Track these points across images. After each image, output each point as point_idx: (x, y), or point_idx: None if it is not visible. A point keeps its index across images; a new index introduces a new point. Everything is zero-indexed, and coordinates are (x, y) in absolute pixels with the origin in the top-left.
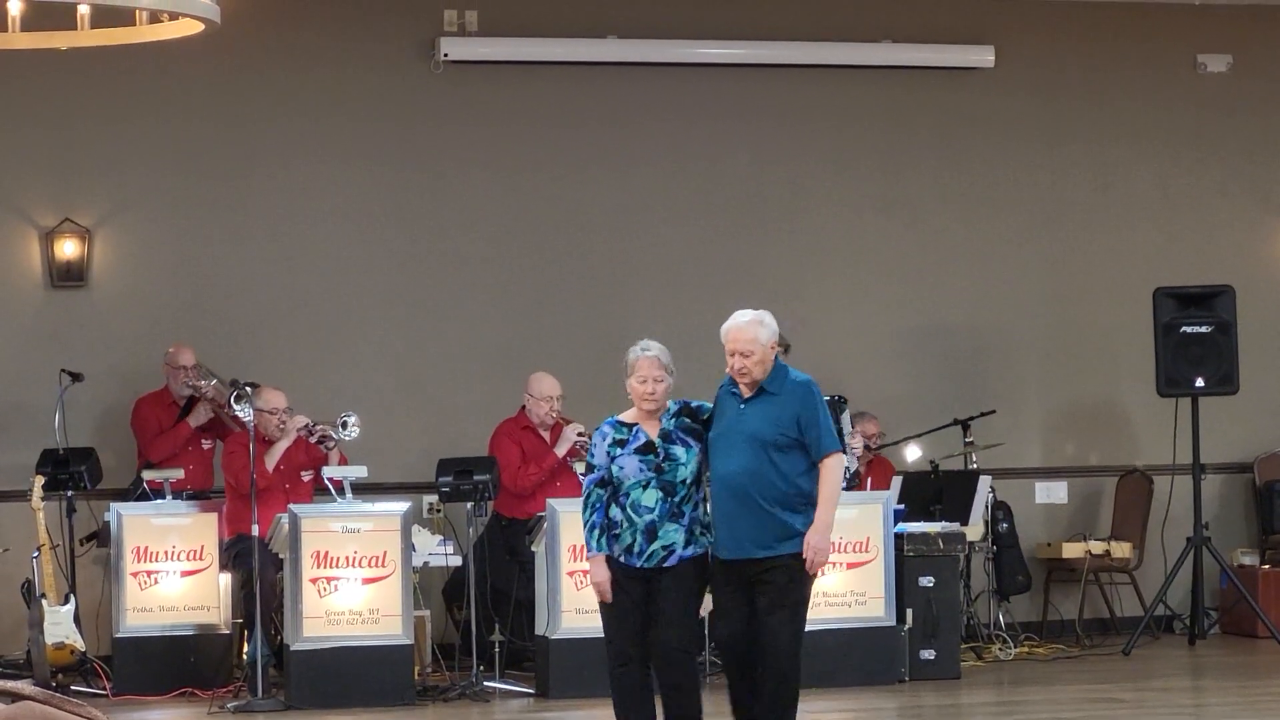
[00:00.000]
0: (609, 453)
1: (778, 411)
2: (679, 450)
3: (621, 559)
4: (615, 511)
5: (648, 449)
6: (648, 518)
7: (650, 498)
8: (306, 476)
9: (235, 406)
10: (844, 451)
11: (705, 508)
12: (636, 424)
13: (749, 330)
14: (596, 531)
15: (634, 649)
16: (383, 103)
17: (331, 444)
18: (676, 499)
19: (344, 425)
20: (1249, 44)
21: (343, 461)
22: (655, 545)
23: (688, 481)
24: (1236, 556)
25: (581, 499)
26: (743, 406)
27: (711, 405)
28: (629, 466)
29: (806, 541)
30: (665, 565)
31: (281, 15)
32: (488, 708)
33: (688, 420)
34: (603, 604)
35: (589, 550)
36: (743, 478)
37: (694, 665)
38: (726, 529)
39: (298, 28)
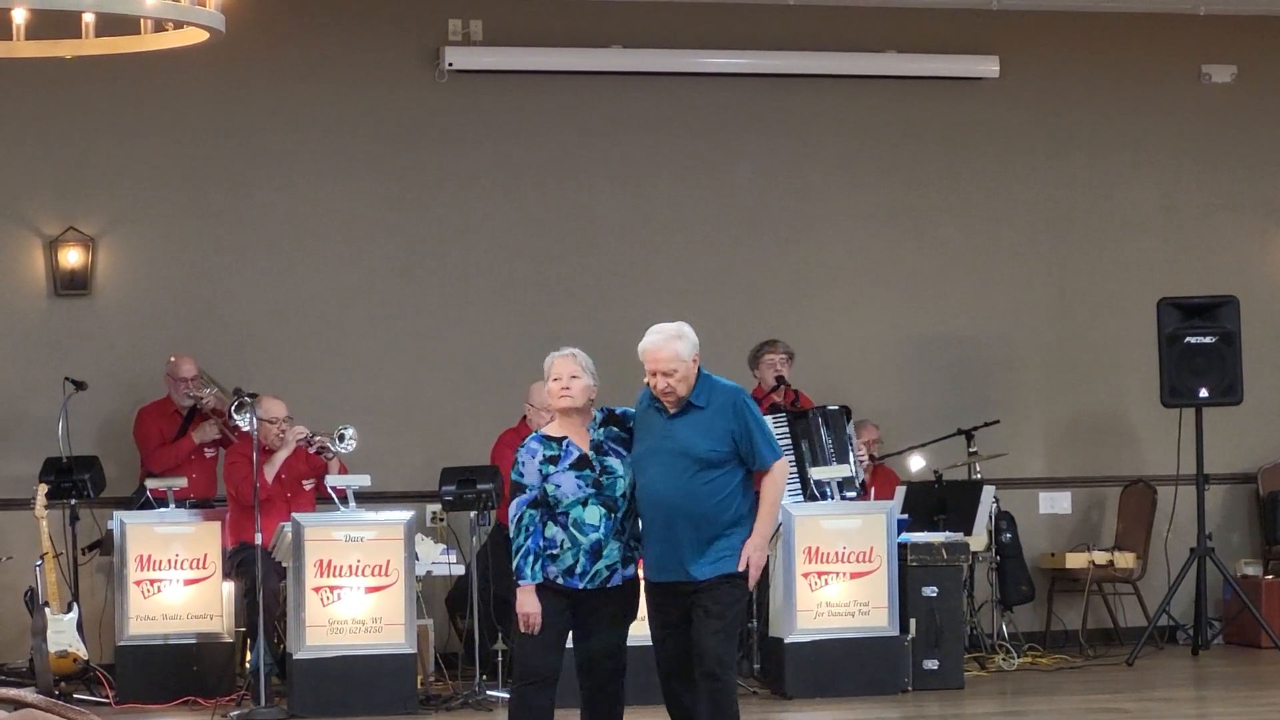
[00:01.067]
0: (541, 471)
1: (707, 425)
2: (614, 462)
3: (559, 580)
4: (554, 531)
5: (582, 464)
6: (593, 536)
7: (593, 515)
8: (308, 485)
9: (236, 416)
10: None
11: (637, 522)
12: (565, 437)
13: (668, 348)
14: (531, 558)
15: (549, 669)
16: (387, 112)
17: (330, 455)
18: (619, 514)
19: (341, 438)
20: (1253, 55)
21: (342, 471)
22: (599, 565)
23: (627, 495)
24: (1240, 567)
25: (512, 522)
26: (669, 421)
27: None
28: (566, 484)
29: (744, 555)
30: (608, 585)
31: (286, 25)
32: (490, 717)
33: (615, 429)
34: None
35: (521, 578)
36: (674, 497)
37: (623, 683)
38: (658, 550)
39: (302, 38)
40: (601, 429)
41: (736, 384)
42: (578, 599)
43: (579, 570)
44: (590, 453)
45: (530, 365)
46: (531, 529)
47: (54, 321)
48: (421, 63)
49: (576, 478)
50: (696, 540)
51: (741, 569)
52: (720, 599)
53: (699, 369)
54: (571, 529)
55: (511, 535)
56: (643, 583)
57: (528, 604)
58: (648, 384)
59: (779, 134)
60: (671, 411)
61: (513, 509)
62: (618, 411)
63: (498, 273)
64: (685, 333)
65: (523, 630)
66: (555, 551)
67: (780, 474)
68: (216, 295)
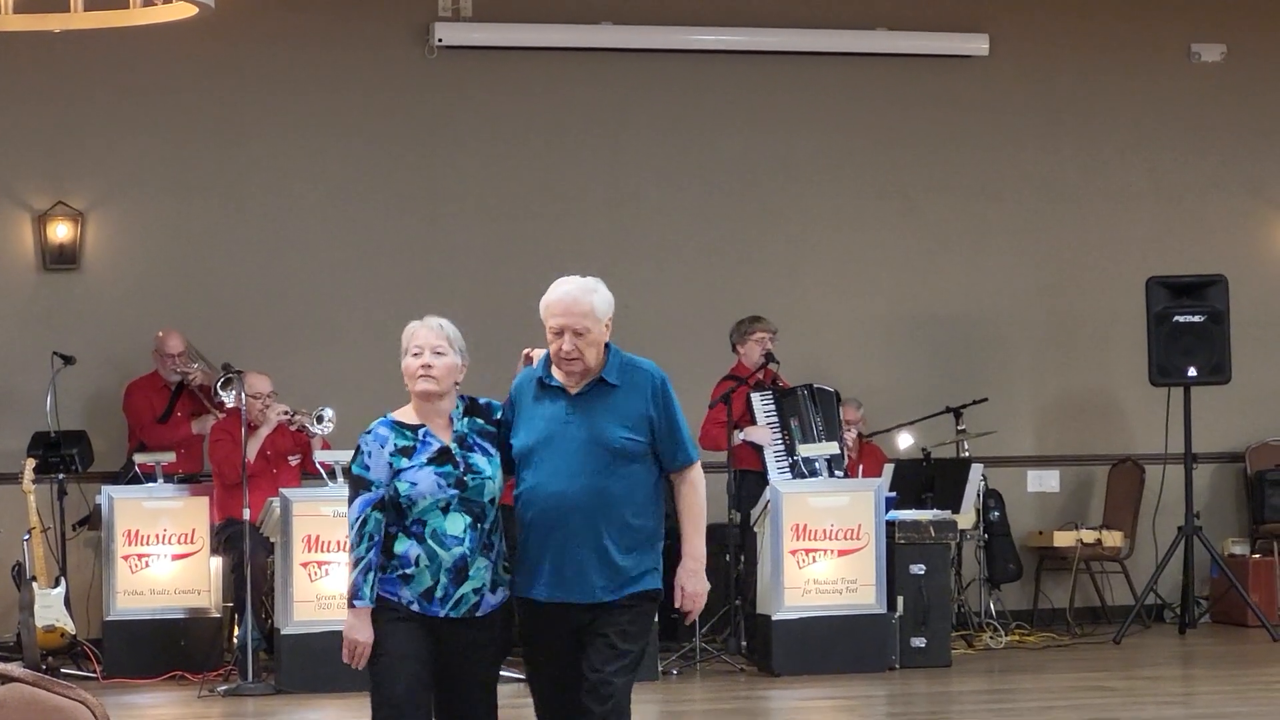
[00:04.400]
0: (391, 464)
1: (623, 408)
2: (480, 460)
3: (415, 607)
4: (406, 546)
5: (444, 458)
6: (457, 551)
7: (456, 524)
8: (293, 461)
9: (222, 392)
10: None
11: (503, 539)
12: (423, 425)
13: (582, 300)
14: (371, 575)
15: (411, 713)
16: (377, 88)
17: (311, 434)
18: (485, 526)
19: (319, 419)
20: (1243, 33)
21: (325, 447)
22: (465, 588)
23: (495, 501)
24: (1227, 546)
25: (351, 524)
26: (571, 403)
27: (502, 405)
28: (424, 482)
29: (680, 586)
30: (476, 615)
31: (276, 2)
32: None
33: (480, 421)
34: (377, 657)
35: (356, 598)
36: (579, 498)
37: None
38: (554, 563)
39: (292, 13)
40: (465, 420)
41: (654, 363)
42: (437, 630)
43: (439, 594)
44: (453, 445)
45: (518, 339)
46: (375, 539)
47: (42, 296)
48: (412, 38)
49: (436, 474)
50: (605, 552)
51: (678, 605)
52: (630, 628)
53: (609, 343)
54: (430, 542)
55: (351, 544)
56: (521, 604)
57: (358, 630)
58: (525, 363)
59: (768, 111)
60: (574, 389)
61: (353, 510)
62: (480, 401)
63: (487, 248)
64: (601, 289)
65: (346, 661)
66: (409, 571)
67: (701, 480)
68: (205, 270)
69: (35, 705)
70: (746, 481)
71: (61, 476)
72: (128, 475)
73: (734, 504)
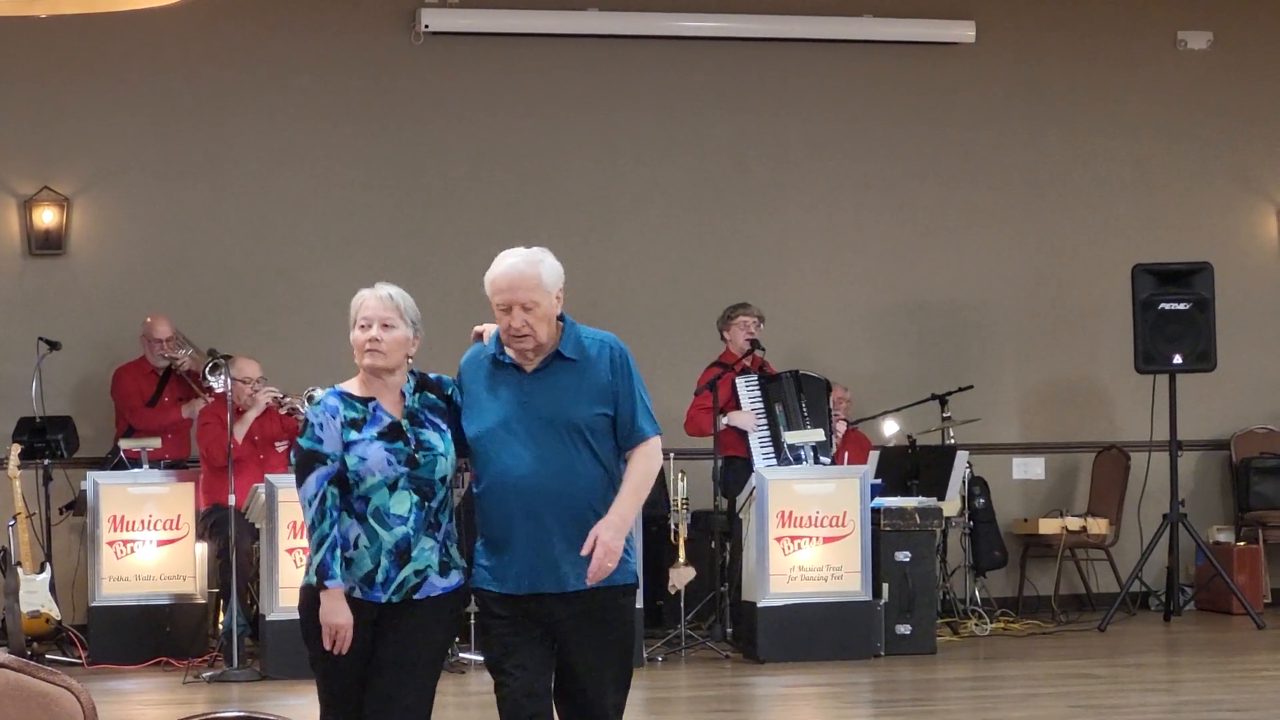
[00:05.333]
0: (343, 437)
1: (586, 383)
2: (432, 436)
3: (356, 592)
4: (346, 525)
5: (394, 434)
6: (400, 530)
7: (402, 503)
8: (281, 447)
9: (210, 377)
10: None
11: (453, 519)
12: (373, 399)
13: (528, 273)
14: (338, 551)
15: (351, 714)
16: (363, 74)
17: (301, 417)
18: (433, 504)
19: (310, 399)
20: (1229, 21)
21: None
22: (407, 570)
23: (446, 479)
24: (1212, 533)
25: (308, 501)
26: (529, 381)
27: (453, 380)
28: (374, 457)
29: (596, 535)
30: (415, 598)
31: None
32: (463, 679)
33: (432, 396)
34: (316, 650)
35: (328, 578)
36: (542, 479)
37: None
38: (523, 553)
39: (278, 1)
40: (416, 395)
41: (614, 335)
42: (379, 617)
43: (380, 578)
44: (404, 421)
45: None
46: (333, 513)
47: (28, 281)
48: (398, 24)
49: (387, 450)
50: (570, 540)
51: (585, 551)
52: (610, 631)
53: (563, 315)
54: (372, 521)
55: (310, 522)
56: (485, 597)
57: (337, 613)
58: (476, 341)
59: (755, 97)
60: (530, 367)
61: (309, 486)
62: (432, 377)
63: (473, 233)
64: (549, 261)
65: (328, 648)
66: (349, 553)
67: (658, 453)
68: (192, 256)
69: (20, 691)
70: (733, 468)
71: (47, 462)
72: (113, 461)
73: (720, 490)
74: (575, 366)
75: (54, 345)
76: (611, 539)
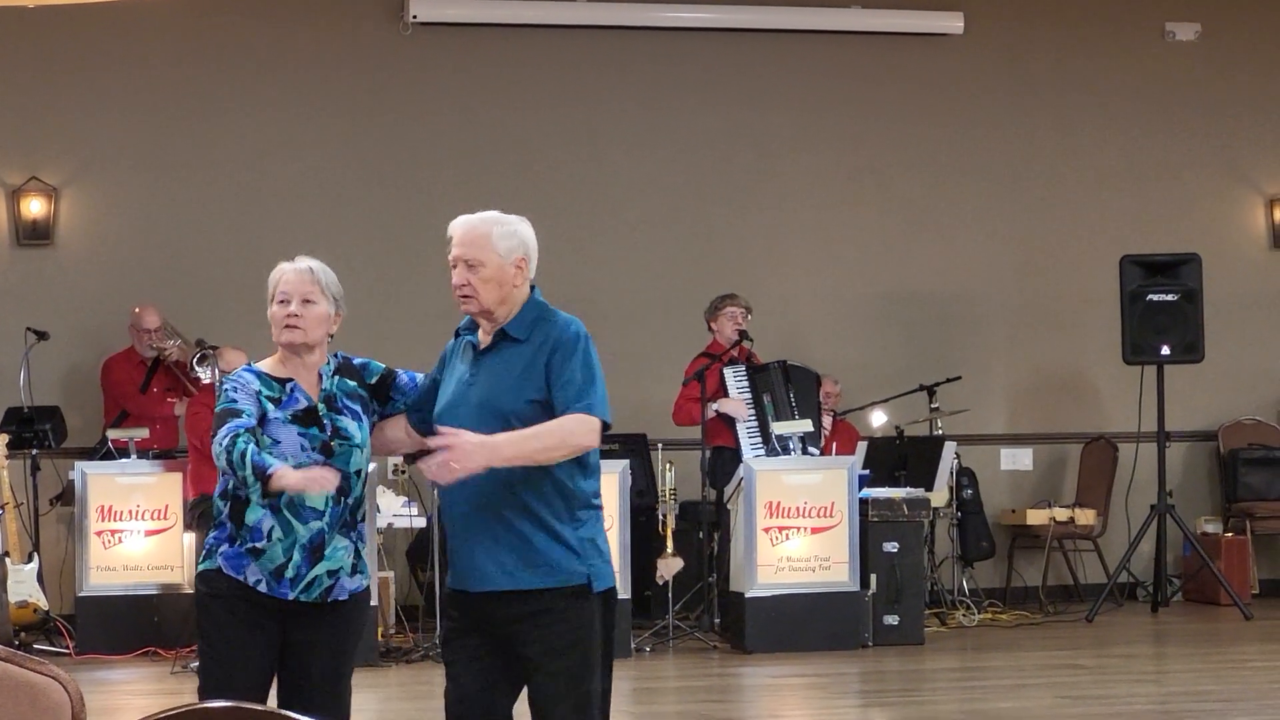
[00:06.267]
0: (261, 407)
1: (522, 368)
2: (349, 424)
3: (262, 587)
4: (259, 516)
5: (309, 418)
6: (315, 525)
7: (318, 496)
8: None
9: (198, 368)
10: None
11: (364, 517)
12: (291, 379)
13: (480, 231)
14: (252, 444)
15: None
16: (352, 64)
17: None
18: (349, 500)
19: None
20: (1217, 13)
21: None
22: (320, 569)
23: (362, 474)
24: (1200, 524)
25: (221, 454)
26: (475, 363)
27: (382, 366)
28: (287, 440)
29: (461, 438)
30: (329, 600)
31: None
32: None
33: (351, 383)
34: (213, 644)
35: (268, 469)
36: (478, 472)
37: None
38: (454, 548)
39: None
40: (335, 379)
41: (580, 322)
42: (284, 615)
43: (290, 574)
44: (321, 405)
45: None
46: (247, 446)
47: (16, 271)
48: (386, 14)
49: (300, 434)
50: (510, 536)
51: (442, 444)
52: (554, 638)
53: (534, 295)
54: (285, 512)
55: (222, 453)
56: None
57: (310, 474)
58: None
59: (743, 88)
60: (484, 345)
61: (221, 438)
62: (355, 361)
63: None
64: (512, 223)
65: (331, 481)
66: (259, 545)
67: (587, 430)
68: (180, 246)
69: (7, 681)
70: (721, 458)
71: (35, 452)
72: (101, 451)
73: (708, 481)
74: (520, 349)
75: (42, 335)
76: (472, 445)
